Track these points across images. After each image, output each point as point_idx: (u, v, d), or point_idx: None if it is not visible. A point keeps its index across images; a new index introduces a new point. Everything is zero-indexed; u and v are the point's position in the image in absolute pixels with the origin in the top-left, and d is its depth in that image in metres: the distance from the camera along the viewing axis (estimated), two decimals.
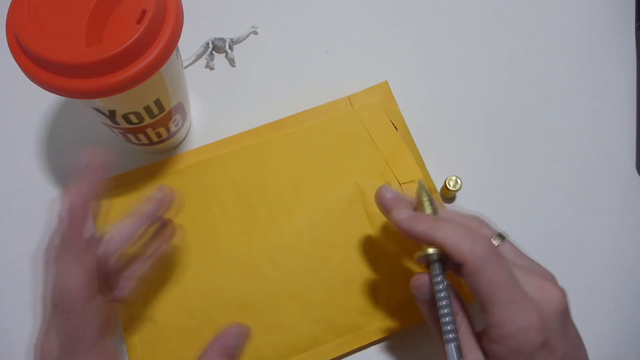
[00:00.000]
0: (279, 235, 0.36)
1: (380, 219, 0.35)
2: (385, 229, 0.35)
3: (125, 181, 0.38)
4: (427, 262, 0.27)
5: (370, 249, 0.35)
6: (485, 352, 0.25)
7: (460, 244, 0.25)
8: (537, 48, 0.44)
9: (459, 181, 0.37)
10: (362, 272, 0.35)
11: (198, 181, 0.38)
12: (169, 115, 0.35)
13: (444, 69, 0.43)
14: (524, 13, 0.45)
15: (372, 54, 0.43)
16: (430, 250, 0.26)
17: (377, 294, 0.35)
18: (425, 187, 0.29)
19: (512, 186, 0.40)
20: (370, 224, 0.36)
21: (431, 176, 0.39)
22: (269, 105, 0.41)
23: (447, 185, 0.37)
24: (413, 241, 0.35)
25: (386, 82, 0.42)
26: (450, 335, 0.25)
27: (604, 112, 0.42)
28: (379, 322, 0.35)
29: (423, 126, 0.41)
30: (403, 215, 0.28)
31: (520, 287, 0.25)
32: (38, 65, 0.27)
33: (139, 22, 0.27)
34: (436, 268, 0.26)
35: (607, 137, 0.41)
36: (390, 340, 0.35)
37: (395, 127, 0.39)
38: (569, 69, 0.43)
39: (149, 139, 0.36)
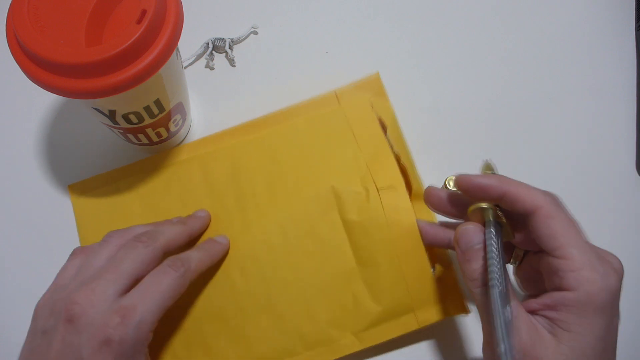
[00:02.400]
0: (251, 243, 0.35)
1: (357, 226, 0.34)
2: (362, 238, 0.34)
3: (103, 182, 0.38)
4: (484, 214, 0.28)
5: (345, 258, 0.34)
6: (542, 316, 0.25)
7: (532, 192, 0.27)
8: (537, 48, 0.44)
9: None
10: (336, 283, 0.34)
11: (175, 183, 0.37)
12: (169, 115, 0.35)
13: (443, 69, 0.43)
14: (523, 12, 0.45)
15: (373, 54, 0.43)
16: (486, 205, 0.28)
17: (351, 306, 0.33)
18: (491, 164, 0.31)
19: None
20: (346, 231, 0.34)
21: (431, 176, 0.39)
22: (269, 105, 0.41)
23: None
24: (396, 249, 0.34)
25: (377, 74, 0.39)
26: (497, 282, 0.25)
27: (604, 112, 0.42)
28: (352, 336, 0.33)
29: (422, 125, 0.41)
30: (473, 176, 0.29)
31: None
32: (38, 65, 0.27)
33: (139, 22, 0.27)
34: (491, 215, 0.28)
35: (607, 137, 0.41)
36: (364, 355, 0.35)
37: (384, 125, 0.37)
38: (569, 68, 0.43)
39: (149, 139, 0.36)
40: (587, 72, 0.43)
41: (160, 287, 0.28)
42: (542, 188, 0.40)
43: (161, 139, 0.37)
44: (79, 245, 0.37)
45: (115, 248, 0.30)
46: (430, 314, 0.33)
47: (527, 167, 0.40)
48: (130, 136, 0.35)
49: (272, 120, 0.39)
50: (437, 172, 0.39)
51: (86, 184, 0.38)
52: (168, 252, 0.31)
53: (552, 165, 0.40)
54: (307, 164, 0.36)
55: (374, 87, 0.39)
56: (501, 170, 0.40)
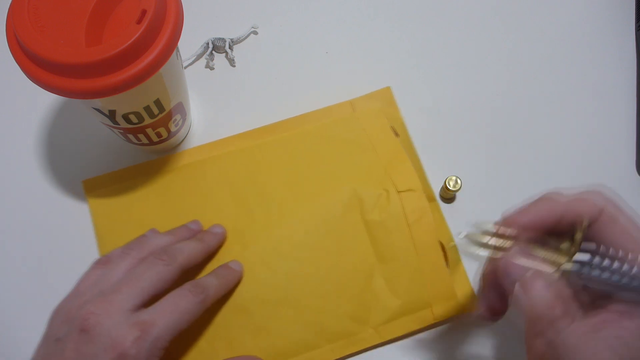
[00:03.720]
0: (274, 239, 0.36)
1: (377, 225, 0.35)
2: (383, 236, 0.35)
3: (119, 178, 0.38)
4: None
5: (366, 255, 0.35)
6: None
7: (584, 200, 0.25)
8: (537, 48, 0.44)
9: (459, 181, 0.37)
10: (356, 278, 0.35)
11: (194, 181, 0.38)
12: (169, 115, 0.35)
13: (443, 69, 0.43)
14: (523, 12, 0.45)
15: (373, 54, 0.43)
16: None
17: (370, 301, 0.34)
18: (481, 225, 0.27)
19: (512, 186, 0.40)
20: (367, 230, 0.35)
21: (431, 176, 0.39)
22: (269, 105, 0.41)
23: (447, 185, 0.37)
24: (415, 247, 0.35)
25: (389, 87, 0.41)
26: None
27: (604, 112, 0.42)
28: (371, 330, 0.34)
29: (423, 125, 0.41)
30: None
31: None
32: (38, 65, 0.27)
33: (139, 22, 0.27)
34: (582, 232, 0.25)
35: (607, 137, 0.41)
36: (383, 348, 0.35)
37: (396, 133, 0.39)
38: (569, 69, 0.43)
39: (149, 139, 0.36)
40: (587, 72, 0.43)
41: (178, 307, 0.29)
42: (542, 189, 0.40)
43: (161, 138, 0.37)
44: (88, 245, 0.37)
45: (134, 261, 0.31)
46: (446, 309, 0.35)
47: (527, 167, 0.40)
48: (130, 136, 0.35)
49: (289, 125, 0.40)
50: (437, 172, 0.39)
51: (100, 180, 0.38)
52: (185, 270, 0.31)
53: (552, 165, 0.40)
54: (327, 167, 0.37)
55: (385, 97, 0.41)
56: (501, 171, 0.40)
